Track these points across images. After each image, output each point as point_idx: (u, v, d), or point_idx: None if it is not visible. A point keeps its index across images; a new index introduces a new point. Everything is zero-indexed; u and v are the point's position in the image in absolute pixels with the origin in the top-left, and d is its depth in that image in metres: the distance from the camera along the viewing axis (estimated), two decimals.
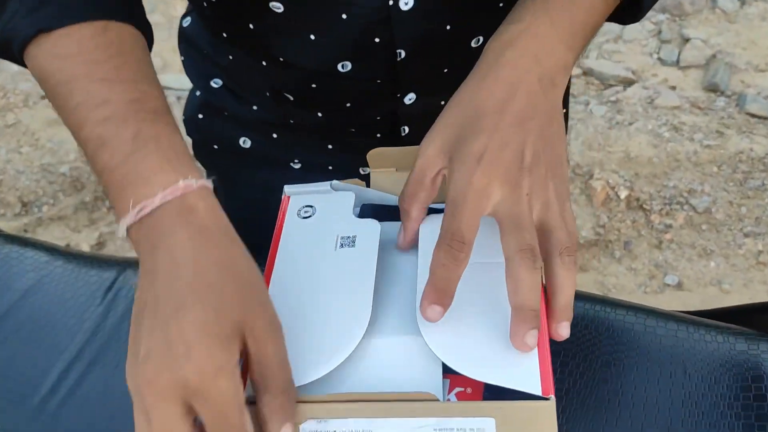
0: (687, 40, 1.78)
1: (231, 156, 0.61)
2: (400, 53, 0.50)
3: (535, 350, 0.34)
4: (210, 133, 0.62)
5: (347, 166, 0.58)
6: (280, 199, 0.44)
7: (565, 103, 0.63)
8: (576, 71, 1.73)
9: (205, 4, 0.51)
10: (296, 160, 0.60)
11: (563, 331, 0.35)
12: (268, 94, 0.56)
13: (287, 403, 0.32)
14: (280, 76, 0.54)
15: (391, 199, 0.45)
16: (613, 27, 1.81)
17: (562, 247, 0.35)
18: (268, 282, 0.39)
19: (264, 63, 0.53)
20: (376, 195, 0.45)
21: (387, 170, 0.45)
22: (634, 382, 0.43)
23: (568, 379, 0.43)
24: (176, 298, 0.31)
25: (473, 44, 0.52)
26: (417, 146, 0.44)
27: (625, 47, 1.79)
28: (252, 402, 0.33)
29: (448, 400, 0.35)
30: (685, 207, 1.44)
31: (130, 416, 0.32)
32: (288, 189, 0.45)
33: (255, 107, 0.58)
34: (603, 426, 0.41)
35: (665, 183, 1.48)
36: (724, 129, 1.57)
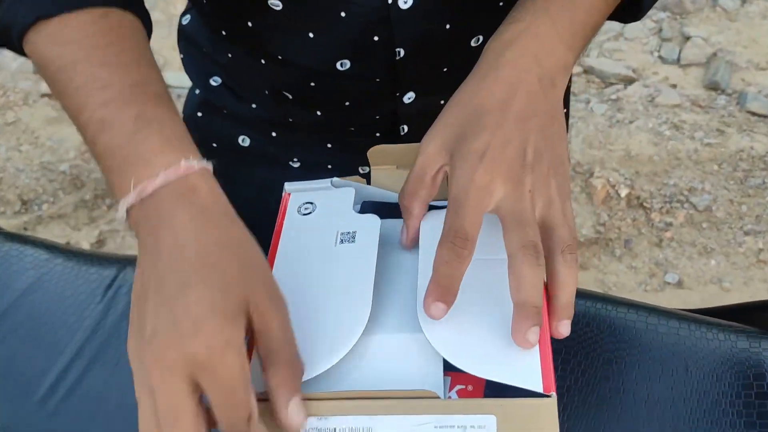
0: (688, 38, 1.77)
1: (230, 154, 0.61)
2: (399, 52, 0.50)
3: (537, 347, 0.34)
4: (209, 132, 0.61)
5: (347, 165, 0.58)
6: (279, 198, 0.44)
7: (566, 103, 0.63)
8: (577, 69, 1.72)
9: (204, 2, 0.51)
10: (295, 159, 0.60)
11: (564, 329, 0.35)
12: (267, 92, 0.56)
13: (293, 376, 0.33)
14: (279, 75, 0.54)
15: (392, 197, 0.45)
16: (613, 25, 1.81)
17: (564, 245, 0.35)
18: None
19: (263, 61, 0.53)
20: (376, 192, 0.45)
21: (387, 167, 0.45)
22: (635, 380, 0.42)
23: (569, 377, 0.43)
24: (181, 277, 0.31)
25: (473, 44, 0.52)
26: (417, 143, 0.43)
27: (625, 45, 1.79)
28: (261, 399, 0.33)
29: (449, 397, 0.35)
30: (686, 205, 1.44)
31: (130, 413, 0.32)
32: (288, 186, 0.45)
33: (254, 105, 0.58)
34: (604, 423, 0.41)
35: (666, 181, 1.48)
36: (725, 127, 1.57)
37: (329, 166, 0.60)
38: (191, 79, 0.62)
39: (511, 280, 0.34)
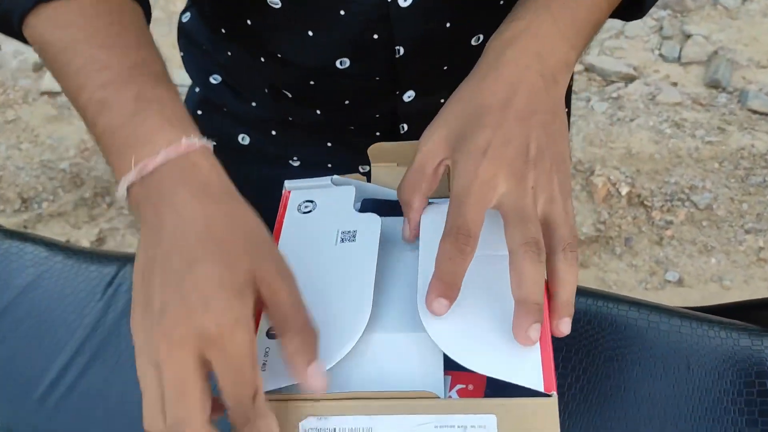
0: (688, 36, 1.77)
1: (229, 153, 0.61)
2: (399, 50, 0.50)
3: (538, 346, 0.34)
4: (208, 130, 0.61)
5: (347, 164, 0.57)
6: (279, 197, 0.44)
7: (567, 102, 0.62)
8: (577, 68, 1.72)
9: (204, 0, 0.51)
10: (295, 158, 0.60)
11: (564, 327, 0.35)
12: (266, 91, 0.56)
13: (308, 341, 0.33)
14: (278, 73, 0.54)
15: (392, 194, 0.45)
16: (614, 23, 1.81)
17: (565, 243, 0.35)
18: None
19: (262, 59, 0.53)
20: (376, 190, 0.45)
21: (388, 165, 0.45)
22: (637, 378, 0.42)
23: (570, 375, 0.43)
24: (187, 253, 0.32)
25: (473, 42, 0.52)
26: (418, 141, 0.43)
27: (626, 43, 1.78)
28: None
29: (450, 397, 0.35)
30: (686, 203, 1.43)
31: (130, 410, 0.32)
32: (288, 184, 0.45)
33: (254, 104, 0.58)
34: (606, 421, 0.41)
35: (666, 179, 1.48)
36: (726, 125, 1.57)
37: (329, 165, 0.60)
38: (191, 77, 0.61)
39: (513, 276, 0.34)
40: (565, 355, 0.44)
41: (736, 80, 1.66)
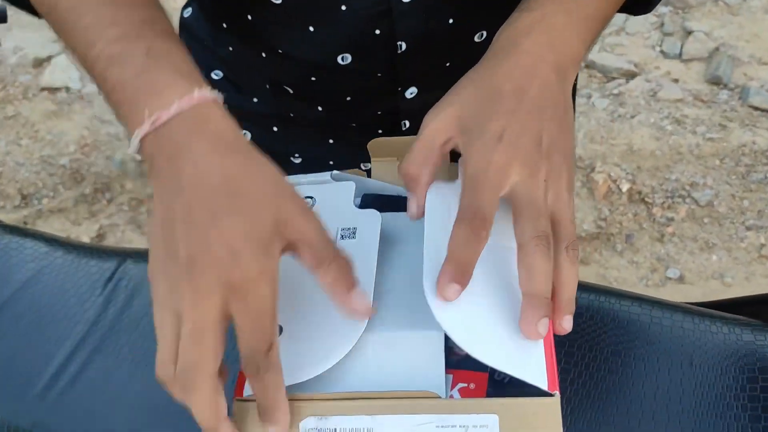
0: (690, 32, 1.77)
1: None
2: (400, 46, 0.49)
3: (542, 343, 0.34)
4: None
5: (348, 161, 0.57)
6: None
7: (572, 99, 0.62)
8: None
9: None
10: (296, 155, 0.60)
11: (567, 325, 0.34)
12: (267, 86, 0.56)
13: (344, 269, 0.34)
14: (279, 69, 0.53)
15: (393, 189, 0.45)
16: (615, 20, 1.80)
17: (568, 240, 0.35)
18: None
19: (264, 55, 0.53)
20: (377, 185, 0.45)
21: (388, 160, 0.45)
22: (639, 373, 0.42)
23: (573, 370, 0.42)
24: (209, 205, 0.32)
25: (476, 39, 0.51)
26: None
27: (627, 40, 1.78)
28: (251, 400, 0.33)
29: (451, 396, 0.35)
30: (687, 200, 1.43)
31: (131, 404, 0.32)
32: (288, 179, 0.44)
33: (255, 100, 0.57)
34: (608, 417, 0.40)
35: (667, 176, 1.47)
36: (727, 122, 1.57)
37: (331, 162, 0.59)
38: None
39: (522, 269, 0.34)
40: (568, 351, 0.43)
41: (737, 77, 1.66)
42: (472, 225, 0.33)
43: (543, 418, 0.32)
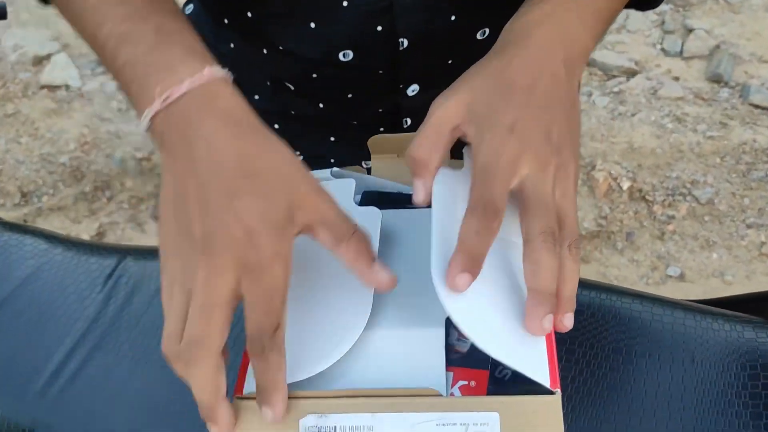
0: (690, 30, 1.76)
1: None
2: (402, 43, 0.49)
3: (544, 340, 0.34)
4: None
5: (349, 159, 0.57)
6: None
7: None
8: None
9: None
10: (297, 153, 0.60)
11: (568, 322, 0.34)
12: (268, 83, 0.56)
13: (363, 244, 0.34)
14: (280, 65, 0.53)
15: (393, 186, 0.45)
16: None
17: (571, 239, 0.34)
18: None
19: (265, 51, 0.52)
20: (377, 182, 0.45)
21: (388, 156, 0.45)
22: (641, 371, 0.42)
23: (574, 368, 0.42)
24: (225, 185, 0.32)
25: (479, 36, 0.51)
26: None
27: (628, 38, 1.78)
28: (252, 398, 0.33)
29: (452, 393, 0.35)
30: (688, 198, 1.43)
31: (131, 401, 0.32)
32: None
33: (257, 97, 0.57)
34: (609, 414, 0.40)
35: (668, 174, 1.47)
36: (728, 120, 1.56)
37: (332, 160, 0.59)
38: None
39: (528, 265, 0.33)
40: (569, 348, 0.43)
41: (738, 75, 1.65)
42: (484, 215, 0.33)
43: (544, 416, 0.31)
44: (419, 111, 0.55)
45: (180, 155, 0.34)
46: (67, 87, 1.73)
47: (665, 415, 0.40)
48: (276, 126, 0.59)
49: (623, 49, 1.75)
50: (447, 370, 0.35)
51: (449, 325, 0.36)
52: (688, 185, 1.45)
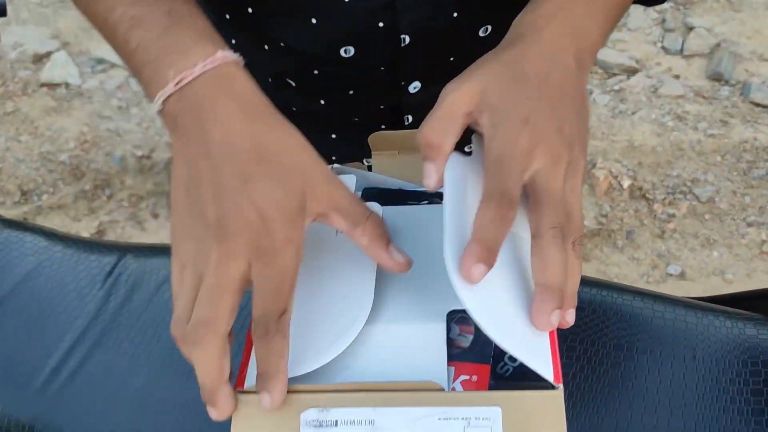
0: (691, 28, 1.76)
1: None
2: (404, 39, 0.49)
3: (547, 335, 0.34)
4: None
5: (350, 157, 0.57)
6: None
7: None
8: None
9: None
10: None
11: (570, 318, 0.34)
12: (270, 80, 0.55)
13: (378, 227, 0.35)
14: (282, 61, 0.53)
15: (393, 183, 0.44)
16: None
17: (576, 234, 0.34)
18: None
19: (266, 47, 0.52)
20: (378, 178, 0.45)
21: (389, 153, 0.45)
22: (643, 368, 0.42)
23: (575, 364, 0.42)
24: (239, 170, 0.32)
25: (481, 33, 0.51)
26: (419, 129, 0.42)
27: (628, 36, 1.77)
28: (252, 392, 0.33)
29: (453, 388, 0.35)
30: (689, 196, 1.43)
31: (131, 398, 0.32)
32: None
33: None
34: (611, 411, 0.40)
35: (668, 172, 1.47)
36: (728, 118, 1.56)
37: (333, 158, 0.59)
38: None
39: (536, 259, 0.33)
40: (570, 345, 0.43)
41: (738, 73, 1.65)
42: (500, 205, 0.32)
43: (547, 410, 0.31)
44: (421, 108, 0.55)
45: (193, 138, 0.34)
46: (67, 85, 1.73)
47: (666, 411, 0.40)
48: None
49: (624, 47, 1.75)
50: (448, 365, 0.34)
51: (450, 320, 0.36)
52: (689, 183, 1.45)
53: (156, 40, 0.35)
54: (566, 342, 0.43)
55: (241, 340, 0.36)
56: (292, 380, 0.33)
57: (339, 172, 0.44)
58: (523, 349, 0.32)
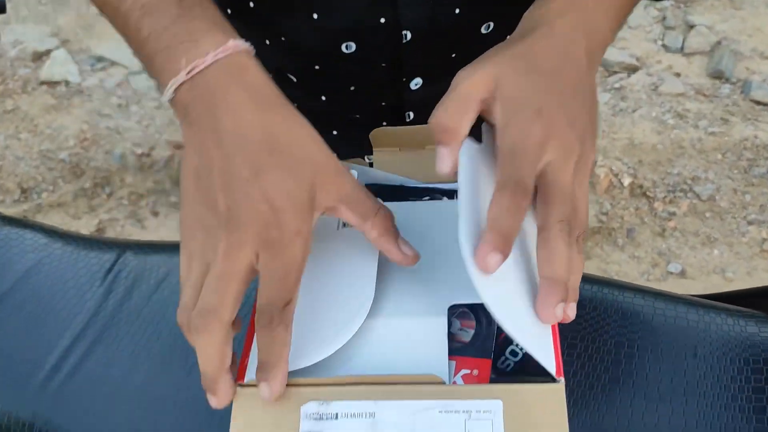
0: (692, 26, 1.76)
1: None
2: (405, 35, 0.49)
3: (550, 328, 0.34)
4: None
5: (352, 153, 0.57)
6: None
7: None
8: None
9: None
10: None
11: (571, 312, 0.34)
12: (271, 76, 0.55)
13: (388, 221, 0.35)
14: (283, 57, 0.53)
15: (395, 179, 0.44)
16: None
17: (580, 230, 0.34)
18: None
19: (267, 42, 0.52)
20: (379, 175, 0.45)
21: (390, 150, 0.45)
22: (643, 365, 0.42)
23: (576, 362, 0.42)
24: (251, 161, 0.33)
25: (483, 30, 0.51)
26: (422, 126, 0.42)
27: (629, 34, 1.77)
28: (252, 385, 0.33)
29: (454, 382, 0.34)
30: (689, 194, 1.43)
31: (131, 395, 0.32)
32: None
33: None
34: (612, 408, 0.40)
35: (669, 170, 1.47)
36: (729, 116, 1.56)
37: (334, 154, 0.59)
38: None
39: (543, 252, 0.33)
40: (571, 342, 0.43)
41: (739, 71, 1.65)
42: (514, 194, 0.32)
43: (548, 404, 0.31)
44: (422, 105, 0.55)
45: (204, 126, 0.34)
46: (67, 83, 1.72)
47: (668, 409, 0.40)
48: None
49: (624, 45, 1.75)
50: (449, 359, 0.34)
51: (451, 314, 0.36)
52: (689, 181, 1.45)
53: (167, 28, 0.35)
54: (567, 339, 0.43)
55: (242, 335, 0.36)
56: (293, 373, 0.33)
57: None
58: (531, 341, 0.32)
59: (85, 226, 1.45)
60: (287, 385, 0.33)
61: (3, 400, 0.45)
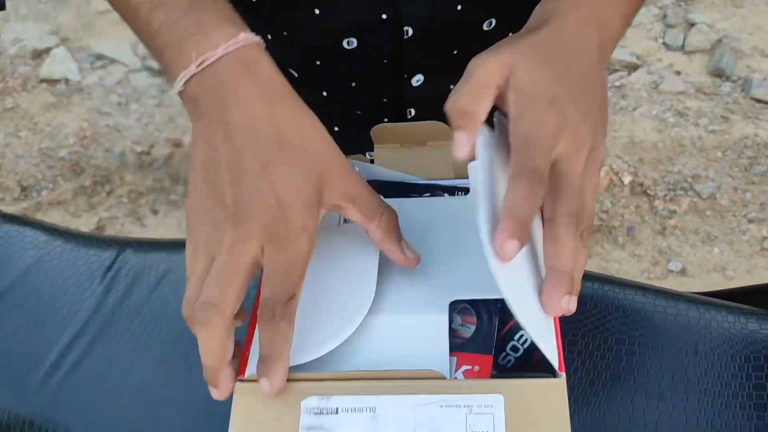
0: (692, 24, 1.76)
1: None
2: (407, 31, 0.49)
3: (553, 323, 0.34)
4: None
5: (353, 150, 0.57)
6: None
7: None
8: None
9: None
10: None
11: (573, 305, 0.34)
12: None
13: (393, 222, 0.35)
14: (285, 52, 0.53)
15: (396, 176, 0.44)
16: None
17: (586, 224, 0.34)
18: None
19: (269, 37, 0.52)
20: (380, 171, 0.45)
21: (391, 146, 0.45)
22: (644, 362, 0.42)
23: (577, 359, 0.42)
24: (260, 154, 0.33)
25: (485, 27, 0.51)
26: (422, 122, 0.42)
27: (629, 32, 1.77)
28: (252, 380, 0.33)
29: (455, 378, 0.34)
30: (690, 193, 1.43)
31: (131, 393, 0.32)
32: None
33: None
34: (613, 405, 0.40)
35: (669, 168, 1.47)
36: (730, 114, 1.56)
37: (342, 153, 0.59)
38: None
39: (550, 244, 0.33)
40: (572, 339, 0.43)
41: (740, 69, 1.65)
42: (530, 182, 0.32)
43: (549, 399, 0.31)
44: (423, 102, 0.55)
45: (214, 119, 0.33)
46: (67, 81, 1.72)
47: (668, 406, 0.40)
48: None
49: (625, 43, 1.74)
50: (450, 355, 0.34)
51: (452, 310, 0.36)
52: (690, 180, 1.45)
53: (178, 21, 0.35)
54: (568, 336, 0.43)
55: (243, 329, 0.36)
56: (293, 368, 0.33)
57: None
58: (538, 332, 0.32)
59: (84, 224, 1.45)
60: (287, 380, 0.32)
61: (3, 398, 0.45)
